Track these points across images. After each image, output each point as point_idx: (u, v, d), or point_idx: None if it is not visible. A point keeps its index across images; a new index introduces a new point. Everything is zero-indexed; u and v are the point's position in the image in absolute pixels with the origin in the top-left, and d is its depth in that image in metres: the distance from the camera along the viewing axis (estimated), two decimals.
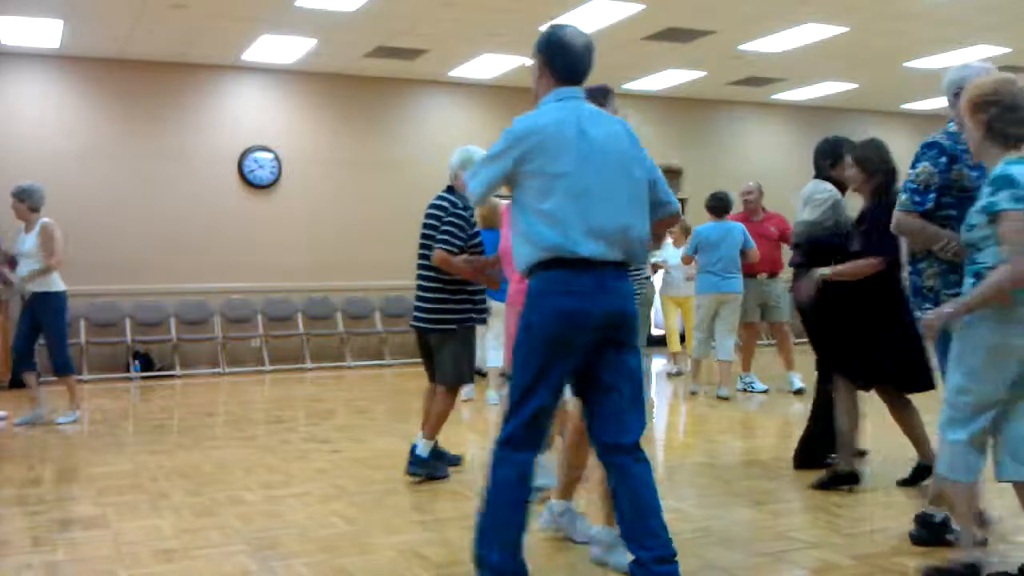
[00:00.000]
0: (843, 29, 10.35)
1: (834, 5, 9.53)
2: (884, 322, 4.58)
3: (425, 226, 5.21)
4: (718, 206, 8.40)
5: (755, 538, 4.04)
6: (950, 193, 3.76)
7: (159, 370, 11.08)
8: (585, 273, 3.09)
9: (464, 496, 4.87)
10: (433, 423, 5.26)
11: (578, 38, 3.36)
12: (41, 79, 10.97)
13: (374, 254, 12.11)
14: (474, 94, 12.76)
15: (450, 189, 5.26)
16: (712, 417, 7.42)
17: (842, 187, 5.14)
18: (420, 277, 5.24)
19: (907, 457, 4.94)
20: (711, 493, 4.85)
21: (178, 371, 11.11)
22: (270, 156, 11.89)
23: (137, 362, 10.95)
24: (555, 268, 3.10)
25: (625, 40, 10.71)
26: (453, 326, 5.16)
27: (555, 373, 3.11)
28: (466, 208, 5.14)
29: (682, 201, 10.96)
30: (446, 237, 5.06)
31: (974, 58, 11.56)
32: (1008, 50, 11.37)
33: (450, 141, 12.67)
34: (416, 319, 5.27)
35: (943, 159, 3.76)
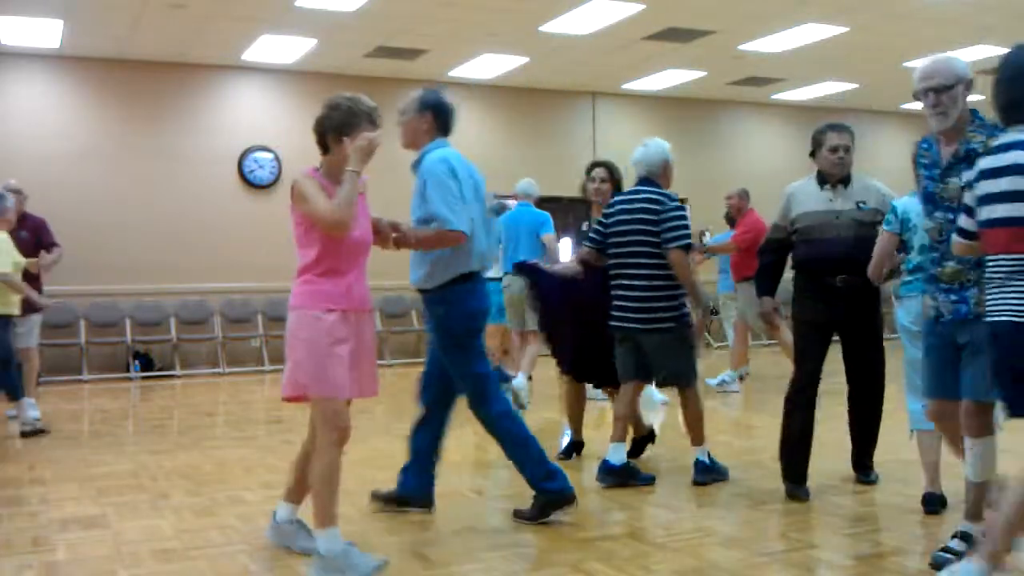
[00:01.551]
0: (843, 29, 10.36)
1: (834, 5, 9.54)
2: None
3: (635, 221, 4.95)
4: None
5: (755, 538, 4.04)
6: None
7: (159, 370, 11.08)
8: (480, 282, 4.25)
9: (464, 496, 4.87)
10: (696, 428, 5.07)
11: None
12: (41, 79, 10.98)
13: (374, 254, 12.06)
14: (474, 94, 12.76)
15: (649, 182, 5.07)
16: (711, 417, 7.40)
17: (824, 177, 4.66)
18: (630, 276, 4.97)
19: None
20: (711, 493, 4.85)
21: (178, 371, 11.11)
22: (270, 156, 11.90)
23: (137, 362, 10.95)
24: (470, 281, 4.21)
25: (625, 40, 10.72)
26: (672, 324, 4.94)
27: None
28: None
29: (682, 201, 10.99)
30: (682, 234, 4.91)
31: (974, 58, 11.59)
32: (1008, 50, 11.36)
33: (450, 141, 12.71)
34: (624, 319, 4.99)
35: None
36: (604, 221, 5.14)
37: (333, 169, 3.59)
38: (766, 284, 4.84)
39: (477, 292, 4.27)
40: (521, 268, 5.76)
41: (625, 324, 5.01)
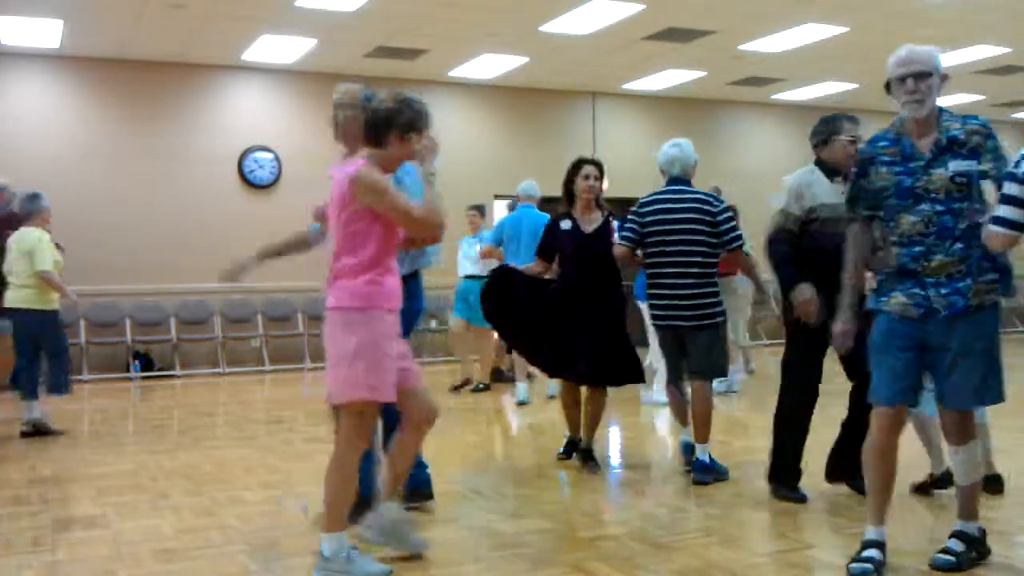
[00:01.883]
0: (843, 29, 10.36)
1: (834, 5, 9.54)
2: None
3: (685, 220, 5.05)
4: None
5: (755, 538, 4.05)
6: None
7: (159, 370, 11.08)
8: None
9: (464, 496, 4.87)
10: (704, 425, 5.10)
11: None
12: (41, 79, 10.98)
13: None
14: (474, 94, 12.76)
15: (686, 182, 5.21)
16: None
17: (831, 170, 4.53)
18: (682, 275, 5.03)
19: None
20: (711, 493, 4.85)
21: (178, 371, 11.11)
22: (270, 156, 11.90)
23: (137, 362, 10.96)
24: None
25: (625, 40, 10.72)
26: (719, 319, 5.16)
27: None
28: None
29: None
30: (739, 234, 5.12)
31: (974, 58, 11.59)
32: (1008, 50, 11.39)
33: (450, 141, 12.71)
34: (675, 318, 5.08)
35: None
36: (640, 220, 5.15)
37: (385, 164, 3.53)
38: (795, 273, 4.47)
39: (420, 290, 4.39)
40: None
41: (676, 323, 5.09)
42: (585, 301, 5.30)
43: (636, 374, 5.44)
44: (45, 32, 9.97)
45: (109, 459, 6.00)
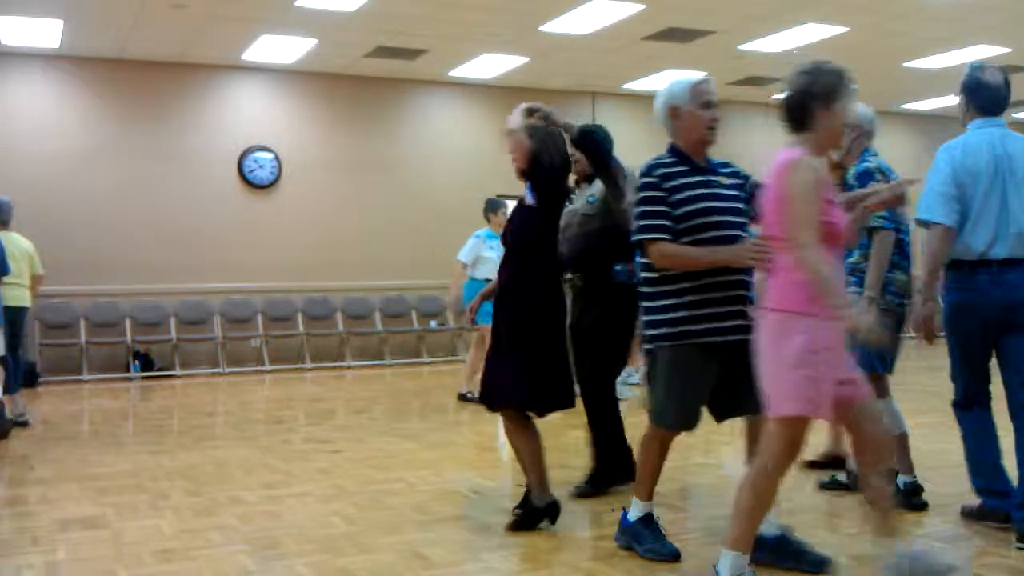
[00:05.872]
0: (843, 29, 10.36)
1: (834, 5, 9.53)
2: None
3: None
4: None
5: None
6: None
7: (159, 370, 11.08)
8: None
9: (464, 496, 4.87)
10: None
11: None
12: (41, 79, 10.98)
13: (374, 254, 12.12)
14: (474, 94, 12.76)
15: None
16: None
17: None
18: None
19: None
20: (711, 493, 4.85)
21: (178, 371, 11.11)
22: (270, 156, 11.90)
23: (137, 362, 10.96)
24: None
25: (625, 40, 10.72)
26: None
27: None
28: None
29: None
30: None
31: (974, 58, 11.59)
32: (1008, 50, 11.38)
33: (450, 141, 12.73)
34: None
35: None
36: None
37: (819, 147, 3.01)
38: None
39: None
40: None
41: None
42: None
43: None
44: (45, 32, 9.97)
45: (109, 459, 6.00)
